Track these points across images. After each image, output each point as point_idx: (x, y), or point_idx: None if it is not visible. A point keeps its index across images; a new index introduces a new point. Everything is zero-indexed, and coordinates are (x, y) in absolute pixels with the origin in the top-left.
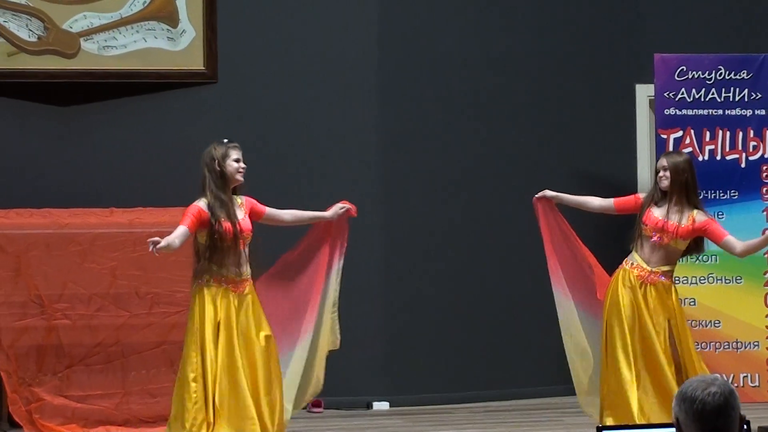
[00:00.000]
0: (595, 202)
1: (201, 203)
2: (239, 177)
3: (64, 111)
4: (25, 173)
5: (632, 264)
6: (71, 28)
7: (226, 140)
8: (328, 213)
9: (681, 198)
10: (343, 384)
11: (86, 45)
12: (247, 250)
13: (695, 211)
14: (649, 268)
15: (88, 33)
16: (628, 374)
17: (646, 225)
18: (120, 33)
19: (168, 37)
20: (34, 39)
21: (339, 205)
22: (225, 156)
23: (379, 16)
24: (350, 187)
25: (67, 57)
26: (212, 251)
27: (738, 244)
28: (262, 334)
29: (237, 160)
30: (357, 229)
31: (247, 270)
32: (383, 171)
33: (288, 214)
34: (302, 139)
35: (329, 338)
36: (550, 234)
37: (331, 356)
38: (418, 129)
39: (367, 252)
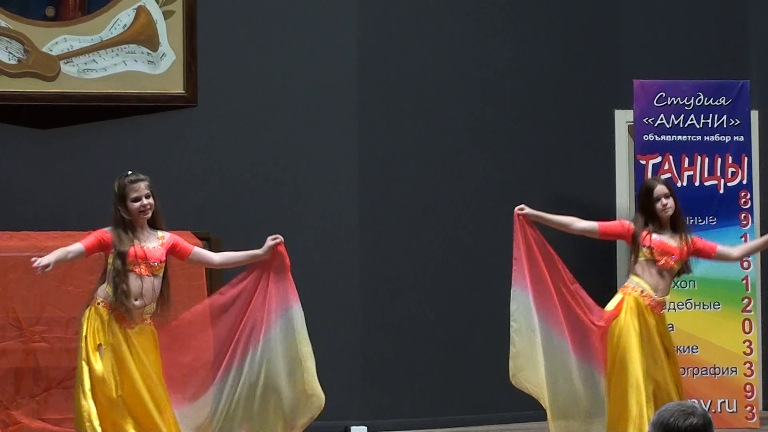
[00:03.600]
0: (578, 224)
1: (108, 229)
2: (143, 216)
3: (44, 134)
4: (3, 196)
5: (642, 292)
6: (51, 51)
7: (129, 172)
8: (260, 250)
9: (676, 224)
10: None
11: (66, 68)
12: (156, 284)
13: (683, 232)
14: (657, 298)
15: (68, 56)
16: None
17: (653, 248)
18: (100, 56)
19: (148, 61)
20: (13, 62)
21: (269, 240)
22: (123, 197)
23: (359, 40)
24: (329, 210)
25: (47, 80)
26: (113, 274)
27: (732, 249)
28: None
29: (136, 200)
30: (335, 252)
31: (149, 306)
32: (363, 194)
33: (217, 256)
34: (281, 163)
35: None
36: (527, 250)
37: None
38: (398, 153)
39: (345, 275)
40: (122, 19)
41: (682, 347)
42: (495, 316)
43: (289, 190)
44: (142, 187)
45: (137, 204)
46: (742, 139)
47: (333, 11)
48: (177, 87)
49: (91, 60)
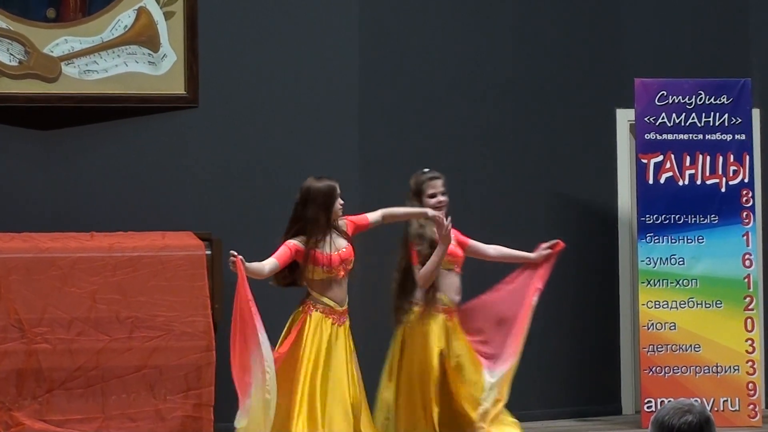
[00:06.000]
0: (266, 267)
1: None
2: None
3: (45, 135)
4: (5, 197)
5: (323, 309)
6: (52, 52)
7: (426, 169)
8: (533, 254)
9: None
10: None
11: (67, 69)
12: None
13: (341, 222)
14: (341, 308)
15: (69, 57)
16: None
17: (327, 265)
18: (101, 57)
19: (149, 62)
20: (15, 63)
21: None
22: (419, 193)
23: (360, 42)
24: None
25: (48, 81)
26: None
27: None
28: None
29: (433, 196)
30: None
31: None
32: (363, 195)
33: (492, 249)
34: (283, 164)
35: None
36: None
37: None
38: (399, 154)
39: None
40: (123, 20)
41: (684, 346)
42: None
43: (290, 191)
44: (439, 184)
45: (434, 200)
46: (743, 137)
47: (334, 13)
48: (178, 88)
49: (92, 61)
